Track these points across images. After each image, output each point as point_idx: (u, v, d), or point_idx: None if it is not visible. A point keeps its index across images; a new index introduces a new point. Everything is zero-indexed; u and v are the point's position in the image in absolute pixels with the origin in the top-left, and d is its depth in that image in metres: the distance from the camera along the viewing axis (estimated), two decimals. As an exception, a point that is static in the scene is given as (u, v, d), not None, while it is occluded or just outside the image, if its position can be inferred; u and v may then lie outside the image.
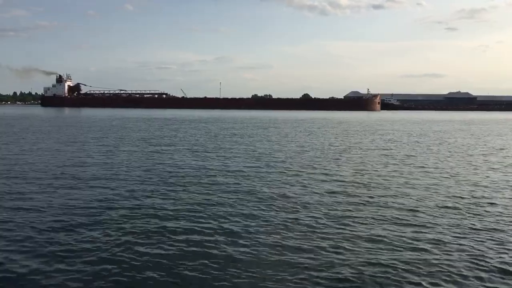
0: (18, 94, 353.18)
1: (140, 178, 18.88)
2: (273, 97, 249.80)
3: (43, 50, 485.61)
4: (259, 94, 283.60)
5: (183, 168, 21.66)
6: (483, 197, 15.80)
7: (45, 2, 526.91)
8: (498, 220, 12.74)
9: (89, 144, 33.26)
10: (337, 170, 21.58)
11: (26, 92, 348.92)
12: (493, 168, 23.15)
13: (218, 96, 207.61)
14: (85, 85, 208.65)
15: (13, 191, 15.94)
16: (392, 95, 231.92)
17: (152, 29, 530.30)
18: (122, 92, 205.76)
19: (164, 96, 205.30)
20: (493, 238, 11.08)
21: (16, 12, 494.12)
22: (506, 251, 10.19)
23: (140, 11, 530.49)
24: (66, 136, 41.32)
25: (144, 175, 19.68)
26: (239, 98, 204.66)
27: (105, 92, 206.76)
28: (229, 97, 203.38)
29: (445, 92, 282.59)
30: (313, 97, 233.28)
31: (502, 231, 11.72)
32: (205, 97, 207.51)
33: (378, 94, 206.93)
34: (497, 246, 10.49)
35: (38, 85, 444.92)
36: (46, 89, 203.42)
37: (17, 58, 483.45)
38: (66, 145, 32.78)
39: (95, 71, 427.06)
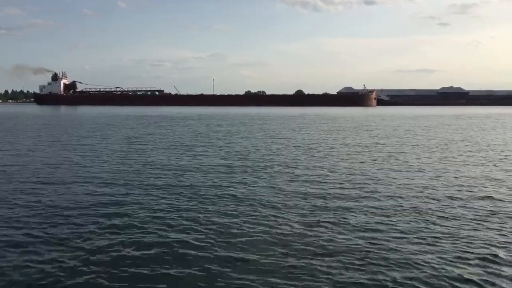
0: (10, 92, 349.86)
1: (113, 176, 18.68)
2: (266, 93, 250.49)
3: (39, 49, 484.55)
4: (253, 91, 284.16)
5: (156, 165, 21.62)
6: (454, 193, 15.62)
7: (40, 1, 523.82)
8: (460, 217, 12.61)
9: (72, 142, 33.43)
10: (312, 168, 21.31)
11: (17, 90, 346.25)
12: (468, 164, 23.12)
13: (211, 93, 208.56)
14: (80, 82, 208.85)
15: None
16: (382, 90, 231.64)
17: (148, 27, 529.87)
18: (118, 90, 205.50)
19: (157, 93, 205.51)
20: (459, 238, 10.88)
21: (11, 10, 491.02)
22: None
23: (136, 9, 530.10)
24: (49, 134, 41.08)
25: (118, 172, 19.69)
26: (235, 95, 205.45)
27: (101, 89, 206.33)
28: (224, 94, 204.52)
29: (438, 87, 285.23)
30: (306, 93, 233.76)
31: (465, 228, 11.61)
32: (202, 94, 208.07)
33: (374, 89, 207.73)
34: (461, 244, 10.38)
35: (29, 83, 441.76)
36: (42, 87, 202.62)
37: (13, 57, 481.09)
38: (47, 143, 32.87)
39: (91, 70, 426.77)
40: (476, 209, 13.51)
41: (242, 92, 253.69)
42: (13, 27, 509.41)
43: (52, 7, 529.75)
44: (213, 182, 17.56)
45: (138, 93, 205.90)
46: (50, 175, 19.03)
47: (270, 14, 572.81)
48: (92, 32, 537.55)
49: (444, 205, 13.97)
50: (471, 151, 28.91)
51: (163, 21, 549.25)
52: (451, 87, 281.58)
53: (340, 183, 17.39)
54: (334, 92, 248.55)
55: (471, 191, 16.03)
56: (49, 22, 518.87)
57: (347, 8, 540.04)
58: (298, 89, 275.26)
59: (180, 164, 22.17)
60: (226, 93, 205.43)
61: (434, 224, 11.92)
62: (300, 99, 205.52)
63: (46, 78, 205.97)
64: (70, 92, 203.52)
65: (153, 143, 33.12)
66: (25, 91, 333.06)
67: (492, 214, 12.85)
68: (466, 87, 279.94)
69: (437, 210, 13.29)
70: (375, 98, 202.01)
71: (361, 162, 23.41)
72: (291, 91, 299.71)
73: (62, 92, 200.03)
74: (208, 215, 12.69)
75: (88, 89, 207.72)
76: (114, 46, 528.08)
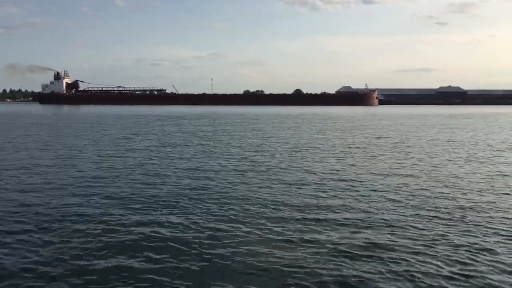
0: (8, 91, 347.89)
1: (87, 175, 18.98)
2: (265, 92, 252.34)
3: (39, 48, 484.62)
4: (252, 90, 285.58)
5: (129, 166, 21.46)
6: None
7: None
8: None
9: (58, 141, 33.88)
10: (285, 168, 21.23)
11: (16, 90, 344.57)
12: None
13: (209, 92, 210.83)
14: (83, 82, 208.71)
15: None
16: (376, 90, 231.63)
17: (147, 26, 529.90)
18: (120, 89, 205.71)
19: (155, 92, 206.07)
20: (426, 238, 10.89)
21: (9, 9, 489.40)
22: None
23: (135, 8, 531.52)
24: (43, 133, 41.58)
25: (95, 170, 20.10)
26: (235, 94, 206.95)
27: (103, 89, 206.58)
28: (224, 93, 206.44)
29: (436, 86, 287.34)
30: (305, 92, 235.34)
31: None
32: (204, 93, 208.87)
33: (376, 89, 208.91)
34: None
35: (28, 82, 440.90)
36: (44, 86, 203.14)
37: (12, 56, 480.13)
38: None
39: (90, 69, 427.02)
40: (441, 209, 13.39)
41: (240, 91, 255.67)
42: (12, 26, 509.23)
43: (50, 6, 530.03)
44: (184, 183, 17.09)
45: (137, 92, 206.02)
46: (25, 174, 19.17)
47: (269, 13, 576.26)
48: (90, 31, 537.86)
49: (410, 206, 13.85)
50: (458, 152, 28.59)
51: (163, 20, 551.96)
52: (450, 86, 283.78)
53: (321, 184, 17.24)
54: (332, 91, 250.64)
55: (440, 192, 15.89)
56: (47, 21, 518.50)
57: (345, 8, 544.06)
58: (296, 88, 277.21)
59: (154, 165, 21.94)
60: (225, 92, 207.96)
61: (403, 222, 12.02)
62: (300, 98, 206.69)
63: (46, 76, 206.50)
64: (73, 91, 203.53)
65: (134, 143, 32.71)
66: (23, 90, 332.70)
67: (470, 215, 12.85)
68: (465, 86, 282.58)
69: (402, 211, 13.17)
70: (377, 98, 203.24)
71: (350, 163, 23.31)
72: (289, 90, 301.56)
73: (65, 91, 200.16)
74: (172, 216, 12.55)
75: (90, 88, 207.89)
76: (113, 45, 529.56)
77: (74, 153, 26.66)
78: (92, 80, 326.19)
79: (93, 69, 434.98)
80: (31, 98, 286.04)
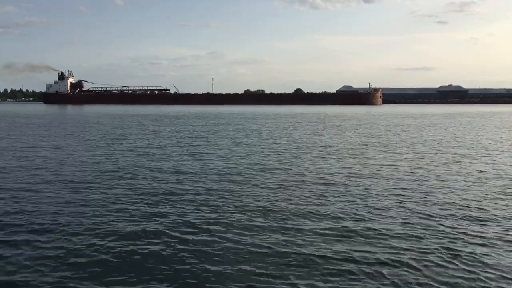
0: (9, 91, 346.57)
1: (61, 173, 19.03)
2: (265, 91, 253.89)
3: (36, 47, 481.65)
4: (252, 89, 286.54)
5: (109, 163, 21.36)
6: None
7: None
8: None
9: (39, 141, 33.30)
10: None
11: (16, 89, 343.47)
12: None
13: (211, 92, 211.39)
14: (87, 81, 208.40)
15: None
16: (380, 89, 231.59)
17: (145, 24, 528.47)
18: (124, 88, 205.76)
19: (156, 92, 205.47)
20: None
21: (7, 8, 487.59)
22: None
23: (133, 7, 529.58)
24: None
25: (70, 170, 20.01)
26: (239, 94, 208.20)
27: (107, 88, 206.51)
28: (225, 93, 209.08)
29: (436, 85, 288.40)
30: (305, 91, 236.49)
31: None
32: (208, 92, 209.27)
33: (380, 88, 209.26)
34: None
35: (27, 82, 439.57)
36: (48, 86, 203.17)
37: (11, 56, 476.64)
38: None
39: (88, 68, 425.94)
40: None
41: (239, 91, 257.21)
42: (10, 25, 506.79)
43: (47, 5, 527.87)
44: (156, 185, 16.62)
45: (138, 92, 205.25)
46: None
47: (268, 12, 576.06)
48: (88, 30, 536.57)
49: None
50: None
51: (160, 19, 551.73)
52: (450, 85, 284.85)
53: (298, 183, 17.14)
54: (333, 90, 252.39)
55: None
56: (44, 19, 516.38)
57: (345, 6, 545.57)
58: (295, 86, 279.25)
59: (134, 166, 21.32)
60: (224, 92, 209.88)
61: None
62: (303, 97, 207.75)
63: (47, 76, 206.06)
64: (76, 91, 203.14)
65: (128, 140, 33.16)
66: (24, 89, 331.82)
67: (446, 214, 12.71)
68: (465, 85, 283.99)
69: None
70: (380, 97, 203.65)
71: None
72: (287, 89, 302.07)
73: (69, 91, 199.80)
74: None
75: (94, 88, 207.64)
76: (111, 44, 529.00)
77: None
78: (90, 79, 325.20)
79: (91, 68, 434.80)
80: (32, 98, 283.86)
